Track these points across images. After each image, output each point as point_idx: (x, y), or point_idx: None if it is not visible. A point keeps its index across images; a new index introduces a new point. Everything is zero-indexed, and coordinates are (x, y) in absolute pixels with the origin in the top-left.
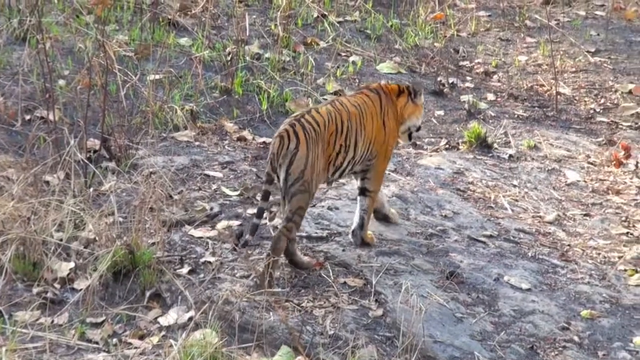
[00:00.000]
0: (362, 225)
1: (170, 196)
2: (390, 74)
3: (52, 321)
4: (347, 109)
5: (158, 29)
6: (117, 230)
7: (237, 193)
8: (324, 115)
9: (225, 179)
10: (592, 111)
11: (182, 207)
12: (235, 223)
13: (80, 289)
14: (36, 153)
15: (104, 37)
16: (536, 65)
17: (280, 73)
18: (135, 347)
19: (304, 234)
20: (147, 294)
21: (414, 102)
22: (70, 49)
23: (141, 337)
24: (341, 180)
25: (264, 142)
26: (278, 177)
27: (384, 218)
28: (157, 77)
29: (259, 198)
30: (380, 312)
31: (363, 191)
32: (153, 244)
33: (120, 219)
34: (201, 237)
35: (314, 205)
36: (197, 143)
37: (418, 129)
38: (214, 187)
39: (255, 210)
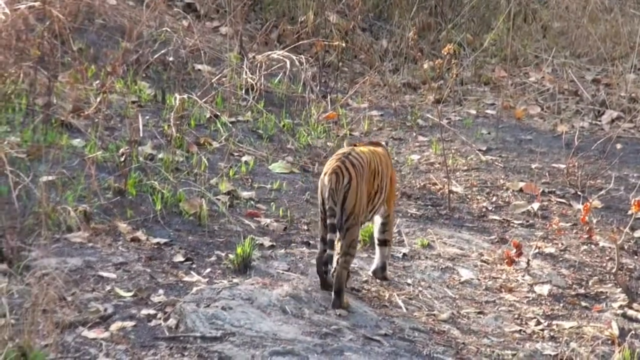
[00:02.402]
0: (383, 268)
1: (64, 297)
2: (283, 173)
3: None
4: (378, 155)
5: (51, 130)
6: (9, 333)
7: (131, 294)
8: (367, 154)
9: (119, 279)
10: (484, 209)
11: (76, 308)
12: (129, 324)
13: None
14: None
15: None
16: (429, 164)
17: (174, 173)
18: None
19: (197, 334)
20: None
21: None
22: None
23: None
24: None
25: (158, 243)
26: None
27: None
28: (50, 178)
29: (323, 232)
30: None
31: (385, 242)
32: (46, 345)
33: (12, 321)
34: (95, 339)
35: (208, 306)
36: (90, 244)
37: None
38: (108, 288)
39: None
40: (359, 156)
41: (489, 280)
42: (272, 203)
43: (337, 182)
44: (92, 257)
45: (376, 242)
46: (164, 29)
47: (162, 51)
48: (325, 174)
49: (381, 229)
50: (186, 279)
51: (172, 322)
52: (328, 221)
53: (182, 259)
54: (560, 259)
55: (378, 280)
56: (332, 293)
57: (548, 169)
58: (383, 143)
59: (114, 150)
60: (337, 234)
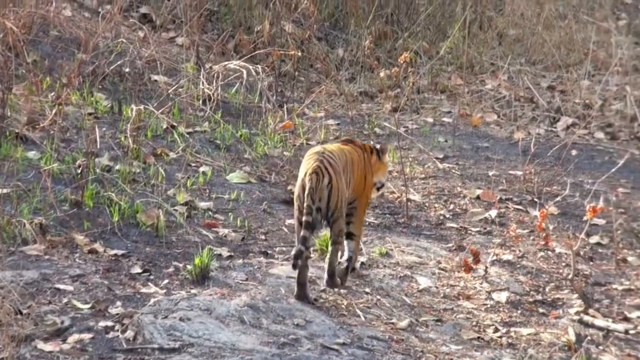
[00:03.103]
0: (350, 262)
1: (19, 311)
2: (241, 183)
3: None
4: (344, 152)
5: (5, 143)
6: None
7: (88, 306)
8: (337, 152)
9: (76, 292)
10: (442, 217)
11: (32, 321)
12: (87, 336)
13: None
14: None
15: None
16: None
17: (131, 185)
18: None
19: (155, 346)
20: None
21: (381, 160)
22: None
23: None
24: None
25: (115, 255)
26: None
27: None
28: (5, 191)
29: (302, 228)
30: None
31: (350, 235)
32: (2, 359)
33: None
34: (52, 352)
35: (165, 317)
36: (47, 257)
37: (382, 185)
38: (65, 300)
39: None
40: (332, 154)
41: (447, 287)
42: (229, 213)
43: (318, 181)
44: (49, 269)
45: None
46: (120, 40)
47: (118, 62)
48: (305, 174)
49: (347, 219)
50: (144, 290)
51: (129, 333)
52: (303, 219)
53: (139, 271)
54: (518, 265)
55: (336, 289)
56: (325, 275)
57: (505, 176)
58: (360, 143)
59: (71, 162)
60: (311, 231)
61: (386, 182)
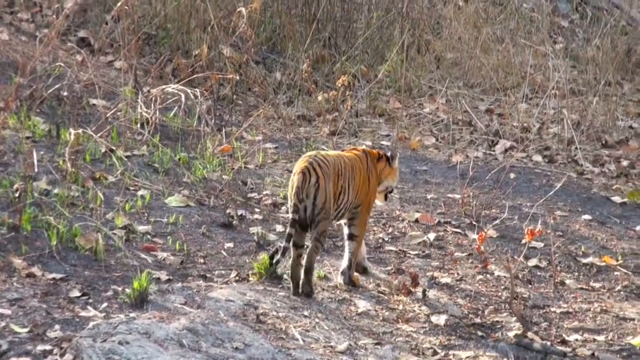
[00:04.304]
0: (349, 266)
1: None
2: (179, 207)
3: None
4: (343, 158)
5: None
6: None
7: (26, 330)
8: (331, 157)
9: (14, 315)
10: (380, 240)
11: None
12: None
13: None
14: None
15: None
16: None
17: (70, 208)
18: None
19: None
20: None
21: (390, 166)
22: None
23: None
24: (338, 222)
25: (54, 278)
26: (303, 208)
27: (363, 271)
28: None
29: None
30: None
31: (351, 236)
32: None
33: None
34: None
35: (104, 340)
36: None
37: (392, 190)
38: (2, 324)
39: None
40: (324, 158)
41: (386, 311)
42: (168, 237)
43: (304, 180)
44: None
45: (345, 237)
46: (57, 63)
47: (56, 86)
48: (294, 174)
49: (348, 223)
50: (83, 314)
51: (68, 357)
52: (290, 216)
53: (78, 294)
54: (456, 288)
55: (274, 313)
56: (302, 274)
57: (443, 199)
58: (364, 150)
59: (8, 186)
60: (296, 229)
61: (396, 186)
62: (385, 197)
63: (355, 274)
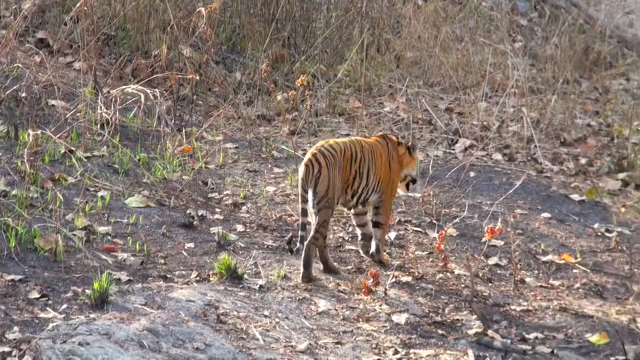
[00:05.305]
0: (378, 250)
1: None
2: (139, 207)
3: None
4: (360, 143)
5: None
6: None
7: None
8: (340, 144)
9: None
10: (340, 239)
11: None
12: None
13: None
14: None
15: None
16: (284, 196)
17: (28, 209)
18: None
19: None
20: None
21: (411, 155)
22: None
23: None
24: (362, 209)
25: (12, 280)
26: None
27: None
28: None
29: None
30: None
31: (376, 224)
32: None
33: None
34: None
35: (64, 342)
36: None
37: (414, 181)
38: None
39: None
40: (331, 147)
41: (346, 310)
42: (128, 237)
43: (307, 172)
44: None
45: (371, 224)
46: (16, 64)
47: (15, 87)
48: (301, 165)
49: (374, 211)
50: (42, 315)
51: (27, 359)
52: (300, 206)
53: (37, 296)
54: (417, 287)
55: (235, 313)
56: (301, 267)
57: (404, 198)
58: (385, 135)
59: None
60: (308, 217)
61: (417, 177)
62: (407, 187)
63: (384, 254)
